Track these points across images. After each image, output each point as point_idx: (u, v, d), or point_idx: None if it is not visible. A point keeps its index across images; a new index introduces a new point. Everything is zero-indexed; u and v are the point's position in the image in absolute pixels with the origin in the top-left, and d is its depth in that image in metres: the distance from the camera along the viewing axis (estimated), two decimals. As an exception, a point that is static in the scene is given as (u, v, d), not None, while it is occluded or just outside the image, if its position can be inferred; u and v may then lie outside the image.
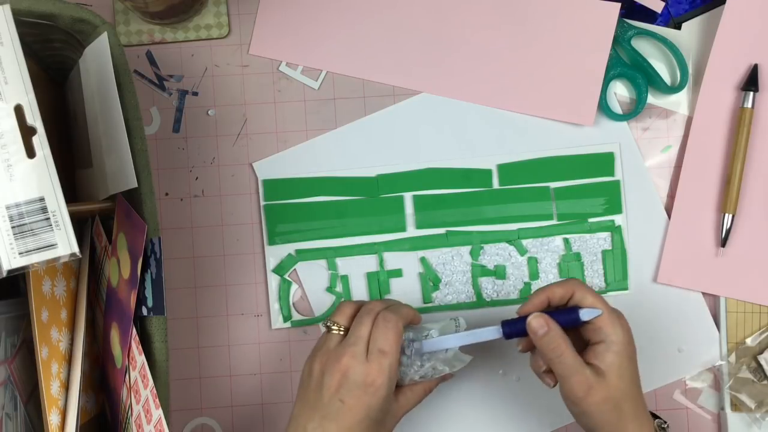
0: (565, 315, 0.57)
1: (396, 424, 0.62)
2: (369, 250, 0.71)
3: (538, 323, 0.57)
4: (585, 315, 0.57)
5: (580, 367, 0.56)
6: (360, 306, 0.61)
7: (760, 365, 0.69)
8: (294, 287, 0.71)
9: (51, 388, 0.54)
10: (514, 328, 0.59)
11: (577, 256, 0.71)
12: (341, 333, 0.60)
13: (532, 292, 0.70)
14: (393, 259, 0.71)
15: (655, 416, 0.60)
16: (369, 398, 0.57)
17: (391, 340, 0.58)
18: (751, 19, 0.70)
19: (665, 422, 0.59)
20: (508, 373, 0.70)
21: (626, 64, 0.71)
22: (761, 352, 0.69)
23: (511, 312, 0.71)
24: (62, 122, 0.66)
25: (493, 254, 0.71)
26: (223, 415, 0.71)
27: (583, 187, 0.71)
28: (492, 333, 0.60)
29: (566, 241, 0.71)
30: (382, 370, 0.57)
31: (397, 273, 0.71)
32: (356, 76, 0.72)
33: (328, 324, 0.61)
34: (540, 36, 0.71)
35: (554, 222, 0.71)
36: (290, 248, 0.71)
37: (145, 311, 0.57)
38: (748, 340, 0.69)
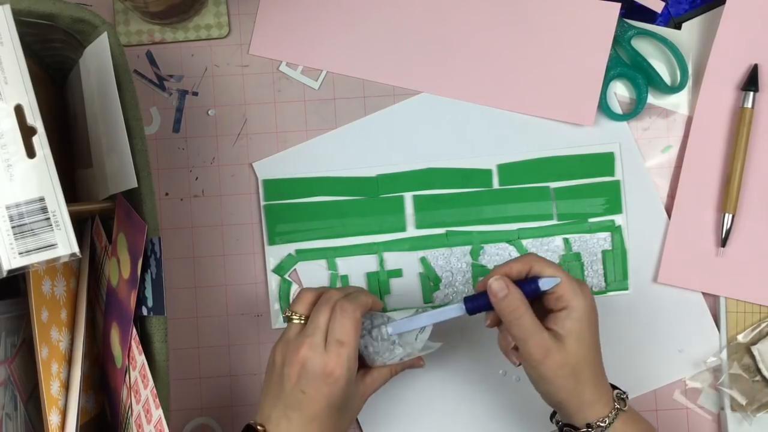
0: (526, 285, 0.58)
1: (363, 404, 0.62)
2: (369, 250, 0.71)
3: (498, 285, 0.57)
4: (545, 284, 0.57)
5: (539, 330, 0.56)
6: (320, 293, 0.61)
7: (753, 357, 0.69)
8: (294, 287, 0.71)
9: (51, 388, 0.54)
10: (477, 303, 0.59)
11: (577, 256, 0.71)
12: (302, 322, 0.60)
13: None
14: (393, 259, 0.71)
15: (613, 387, 0.60)
16: (329, 388, 0.57)
17: (348, 329, 0.58)
18: (751, 19, 0.70)
19: (624, 393, 0.59)
20: (508, 373, 0.70)
21: (626, 64, 0.71)
22: (754, 344, 0.69)
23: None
24: (62, 122, 0.66)
25: (493, 254, 0.71)
26: (223, 415, 0.71)
27: (583, 187, 0.71)
28: (455, 310, 0.60)
29: (566, 241, 0.71)
30: (340, 361, 0.57)
31: (397, 273, 0.71)
32: (356, 76, 0.72)
33: (288, 314, 0.61)
34: (540, 36, 0.71)
35: (554, 222, 0.71)
36: (290, 248, 0.71)
37: (145, 311, 0.57)
38: (740, 336, 0.69)
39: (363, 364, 0.63)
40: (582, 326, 0.56)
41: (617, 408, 0.57)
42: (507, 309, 0.57)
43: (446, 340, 0.70)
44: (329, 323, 0.58)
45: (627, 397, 0.59)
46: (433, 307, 0.70)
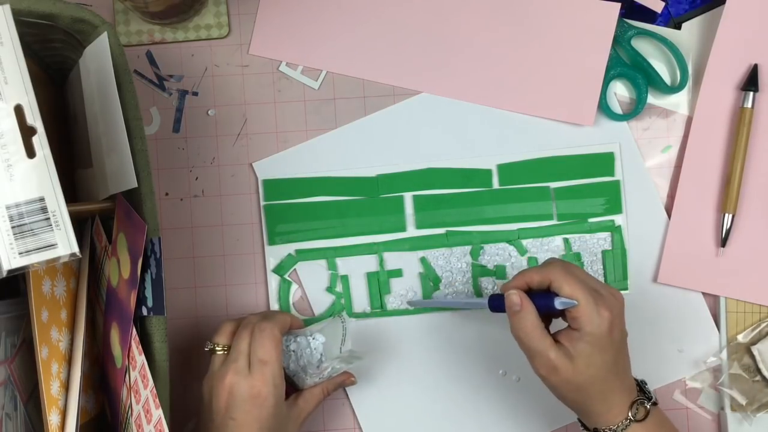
0: (542, 299, 0.58)
1: (300, 427, 0.63)
2: (369, 250, 0.71)
3: (512, 300, 0.58)
4: (559, 304, 0.56)
5: (545, 349, 0.56)
6: (239, 322, 0.62)
7: (753, 357, 0.69)
8: (294, 287, 0.71)
9: (51, 388, 0.54)
10: (499, 303, 0.60)
11: (577, 256, 0.71)
12: (225, 352, 0.61)
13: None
14: (393, 259, 0.71)
15: (642, 389, 0.59)
16: (258, 410, 0.57)
17: (268, 348, 0.59)
18: (751, 19, 0.70)
19: (647, 400, 0.58)
20: (508, 373, 0.70)
21: (626, 64, 0.71)
22: (754, 344, 0.69)
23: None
24: (62, 122, 0.66)
25: (493, 254, 0.71)
26: (223, 415, 0.71)
27: (583, 187, 0.71)
28: (480, 304, 0.63)
29: (566, 241, 0.71)
30: (265, 380, 0.58)
31: (397, 273, 0.71)
32: (356, 76, 0.72)
33: (210, 346, 0.62)
34: (540, 36, 0.71)
35: (554, 222, 0.71)
36: (290, 248, 0.71)
37: (145, 311, 0.56)
38: (740, 336, 0.69)
39: (295, 388, 0.64)
40: (593, 350, 0.56)
41: (629, 419, 0.57)
42: (517, 325, 0.57)
43: (446, 340, 0.70)
44: (250, 346, 0.59)
45: (650, 404, 0.58)
46: (435, 308, 0.71)
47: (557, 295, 0.57)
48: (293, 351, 0.64)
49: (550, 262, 0.59)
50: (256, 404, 0.57)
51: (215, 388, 0.59)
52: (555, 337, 0.57)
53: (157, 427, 0.54)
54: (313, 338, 0.64)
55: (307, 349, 0.64)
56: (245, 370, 0.58)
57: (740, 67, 0.70)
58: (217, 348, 0.61)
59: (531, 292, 0.58)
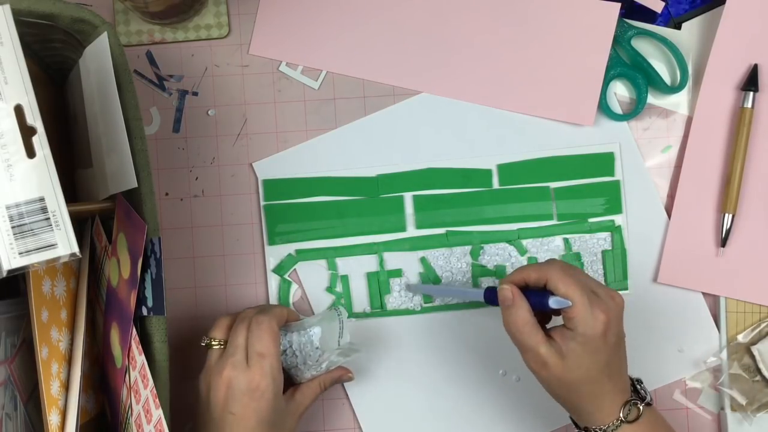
0: (537, 297, 0.58)
1: (298, 422, 0.63)
2: (369, 250, 0.71)
3: (504, 295, 0.58)
4: (553, 303, 0.56)
5: (537, 345, 0.56)
6: (236, 316, 0.62)
7: (753, 357, 0.69)
8: (294, 287, 0.71)
9: (51, 388, 0.54)
10: (494, 296, 0.60)
11: (577, 256, 0.71)
12: (221, 346, 0.61)
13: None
14: (393, 259, 0.71)
15: (636, 389, 0.59)
16: (257, 403, 0.57)
17: (266, 341, 0.59)
18: (751, 19, 0.70)
19: (639, 401, 0.57)
20: (508, 373, 0.70)
21: (626, 64, 0.71)
22: (754, 344, 0.69)
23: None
24: (62, 122, 0.66)
25: (493, 254, 0.71)
26: (223, 415, 0.71)
27: (583, 187, 0.71)
28: (477, 295, 0.63)
29: (566, 241, 0.71)
30: (264, 373, 0.58)
31: (397, 273, 0.71)
32: (356, 76, 0.72)
33: (207, 341, 0.62)
34: (540, 36, 0.71)
35: (554, 222, 0.71)
36: (290, 248, 0.71)
37: (145, 311, 0.57)
38: (740, 336, 0.69)
39: (292, 382, 0.64)
40: (583, 351, 0.55)
41: (621, 419, 0.57)
42: (509, 319, 0.57)
43: (446, 340, 0.70)
44: (248, 339, 0.59)
45: (644, 405, 0.57)
46: (435, 308, 0.71)
47: (553, 294, 0.56)
48: (291, 344, 0.63)
49: (550, 262, 0.59)
50: (255, 397, 0.57)
51: (213, 382, 0.59)
52: (550, 333, 0.57)
53: (157, 427, 0.54)
54: (311, 331, 0.64)
55: (305, 342, 0.63)
56: (243, 364, 0.58)
57: (740, 67, 0.70)
58: (213, 343, 0.61)
59: (527, 289, 0.58)
